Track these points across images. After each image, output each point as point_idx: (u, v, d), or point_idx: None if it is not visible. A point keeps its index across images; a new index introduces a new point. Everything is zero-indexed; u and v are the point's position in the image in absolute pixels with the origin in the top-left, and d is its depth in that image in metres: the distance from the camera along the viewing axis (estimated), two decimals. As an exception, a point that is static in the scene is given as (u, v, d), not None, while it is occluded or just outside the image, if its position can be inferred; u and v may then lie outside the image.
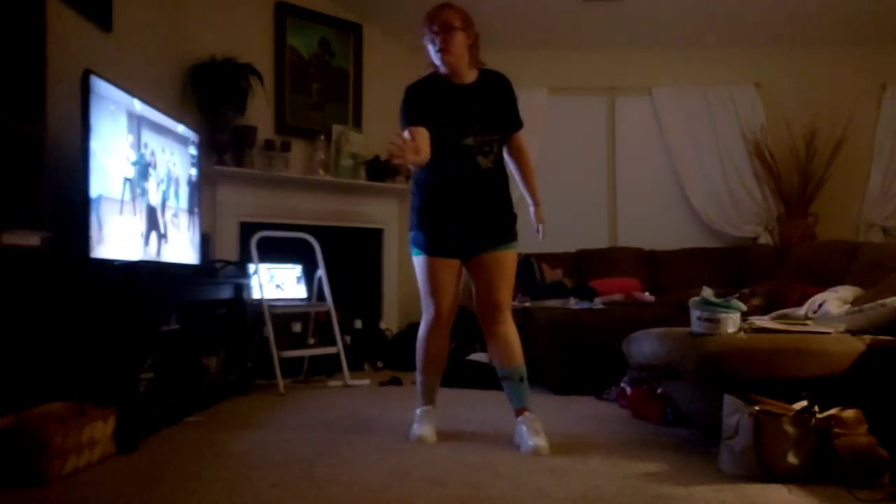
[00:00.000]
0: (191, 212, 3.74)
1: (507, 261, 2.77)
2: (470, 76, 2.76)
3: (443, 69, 2.72)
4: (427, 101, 2.71)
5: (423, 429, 2.79)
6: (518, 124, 2.87)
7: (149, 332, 3.15)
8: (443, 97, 2.72)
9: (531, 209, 2.94)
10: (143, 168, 3.15)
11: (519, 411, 2.72)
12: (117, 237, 2.88)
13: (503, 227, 2.79)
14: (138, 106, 3.12)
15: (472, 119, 2.71)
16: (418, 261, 2.80)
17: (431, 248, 2.74)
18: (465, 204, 2.73)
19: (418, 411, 2.88)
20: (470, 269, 2.81)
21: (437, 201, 2.75)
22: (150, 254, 3.21)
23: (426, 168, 2.70)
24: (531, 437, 2.61)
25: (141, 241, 3.13)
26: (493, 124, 2.75)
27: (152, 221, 3.25)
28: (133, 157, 3.05)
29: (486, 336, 2.82)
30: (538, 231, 2.92)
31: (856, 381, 2.40)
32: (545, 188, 4.27)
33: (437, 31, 2.65)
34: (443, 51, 2.65)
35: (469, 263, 2.80)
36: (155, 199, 3.29)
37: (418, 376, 2.90)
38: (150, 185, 3.22)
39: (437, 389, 2.93)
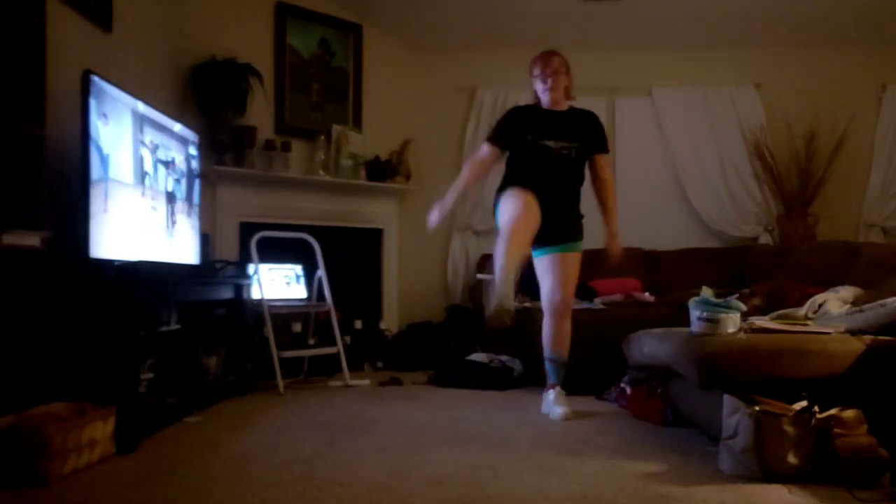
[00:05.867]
0: (188, 200, 3.75)
1: (575, 261, 3.34)
2: (563, 107, 3.37)
3: (546, 103, 3.35)
4: (521, 117, 3.36)
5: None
6: (603, 148, 3.38)
7: (149, 332, 3.16)
8: (535, 115, 3.35)
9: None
10: (151, 164, 3.16)
11: (553, 385, 3.32)
12: (128, 224, 2.93)
13: (572, 227, 3.34)
14: (140, 106, 3.12)
15: (556, 129, 3.28)
16: (505, 195, 3.22)
17: (520, 185, 3.20)
18: (545, 187, 3.22)
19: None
20: (540, 262, 3.31)
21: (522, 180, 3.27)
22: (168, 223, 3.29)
23: (513, 164, 3.35)
24: (560, 405, 3.20)
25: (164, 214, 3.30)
26: (574, 136, 3.28)
27: (170, 200, 3.41)
28: (138, 153, 3.06)
29: (549, 324, 3.33)
30: (607, 259, 3.38)
31: (856, 381, 2.40)
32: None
33: (549, 73, 3.29)
34: (552, 89, 3.30)
35: (540, 258, 3.31)
36: (166, 186, 3.39)
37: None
38: (159, 176, 3.23)
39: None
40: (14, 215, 2.53)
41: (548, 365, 3.36)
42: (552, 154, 3.27)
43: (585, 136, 3.34)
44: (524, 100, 3.78)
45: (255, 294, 4.19)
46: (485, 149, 3.38)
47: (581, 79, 5.35)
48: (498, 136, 3.36)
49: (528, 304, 4.52)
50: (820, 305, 3.03)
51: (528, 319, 4.20)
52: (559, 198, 3.29)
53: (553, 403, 3.25)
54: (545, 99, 3.34)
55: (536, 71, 3.34)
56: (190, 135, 3.77)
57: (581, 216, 3.39)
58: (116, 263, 2.80)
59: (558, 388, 3.30)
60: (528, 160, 3.30)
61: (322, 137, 5.07)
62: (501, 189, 3.34)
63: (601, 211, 3.43)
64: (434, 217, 3.34)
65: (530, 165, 3.29)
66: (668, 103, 5.69)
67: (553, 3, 5.14)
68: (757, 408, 2.24)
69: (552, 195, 3.25)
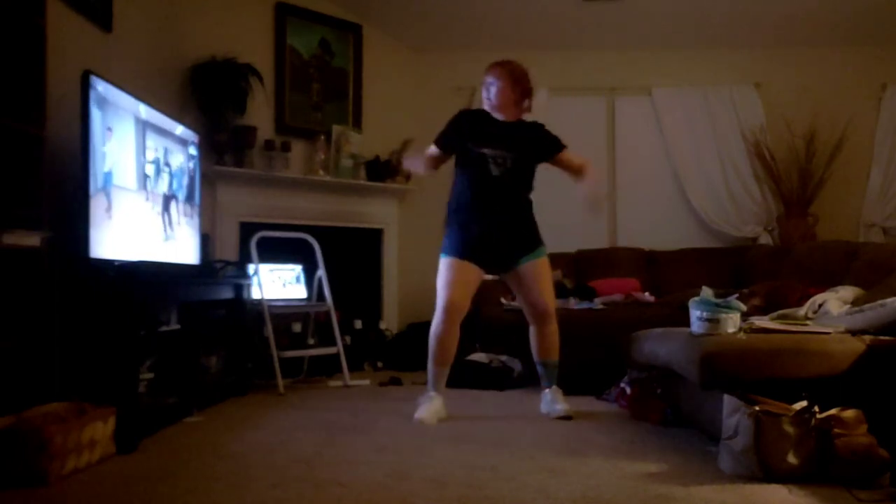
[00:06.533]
0: (189, 200, 3.75)
1: (543, 268, 3.28)
2: (509, 118, 3.28)
3: (490, 110, 3.30)
4: (466, 122, 3.31)
5: (426, 410, 3.15)
6: (557, 146, 3.31)
7: (149, 332, 3.15)
8: (480, 122, 3.29)
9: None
10: (154, 165, 3.16)
11: (547, 387, 3.32)
12: (129, 225, 2.93)
13: (527, 237, 3.27)
14: (140, 107, 3.12)
15: (496, 137, 3.21)
16: (444, 262, 3.21)
17: (457, 251, 3.19)
18: (484, 208, 3.21)
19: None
20: (510, 280, 3.32)
21: (463, 205, 3.25)
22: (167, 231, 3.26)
23: (457, 179, 3.30)
24: (559, 403, 3.23)
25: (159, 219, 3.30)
26: (512, 146, 3.20)
27: (166, 205, 3.40)
28: (139, 154, 3.06)
29: (534, 332, 3.35)
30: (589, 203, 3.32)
31: (856, 381, 2.41)
32: (545, 188, 4.31)
33: (489, 83, 3.25)
34: (488, 98, 3.27)
35: (508, 275, 3.30)
36: (165, 188, 3.41)
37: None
38: (160, 178, 3.23)
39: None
40: (14, 215, 2.53)
41: (539, 369, 3.37)
42: (490, 163, 3.18)
43: (525, 145, 3.24)
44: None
45: (255, 294, 4.19)
46: (431, 149, 3.35)
47: (581, 79, 5.36)
48: (440, 139, 3.32)
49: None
50: (820, 305, 3.03)
51: (527, 319, 4.20)
52: (506, 212, 3.24)
53: (551, 402, 3.27)
54: (486, 106, 3.29)
55: (484, 78, 3.29)
56: (190, 135, 3.77)
57: (535, 223, 3.31)
58: (116, 263, 2.80)
59: (554, 387, 3.31)
60: (470, 171, 3.23)
61: (322, 137, 5.07)
62: (449, 217, 3.30)
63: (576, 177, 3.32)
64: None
65: (472, 179, 3.22)
66: (668, 103, 5.69)
67: (553, 3, 5.14)
68: (757, 408, 2.24)
69: (498, 211, 3.22)
